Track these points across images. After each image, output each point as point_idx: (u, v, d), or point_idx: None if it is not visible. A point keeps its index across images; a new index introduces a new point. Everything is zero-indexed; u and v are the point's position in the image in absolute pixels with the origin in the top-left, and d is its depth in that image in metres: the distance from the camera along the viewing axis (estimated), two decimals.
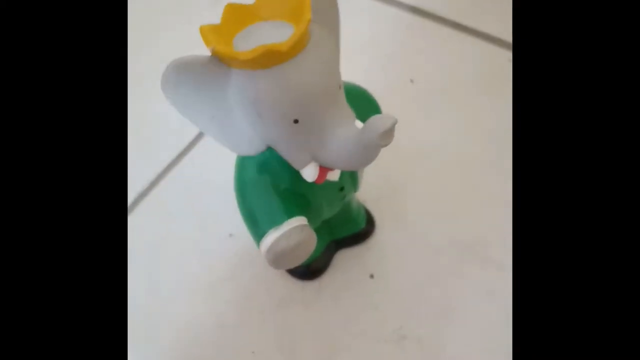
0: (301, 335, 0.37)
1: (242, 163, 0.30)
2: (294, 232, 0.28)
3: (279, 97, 0.25)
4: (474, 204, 0.41)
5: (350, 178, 0.32)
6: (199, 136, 0.48)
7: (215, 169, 0.44)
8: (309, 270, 0.39)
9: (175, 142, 0.48)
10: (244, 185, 0.30)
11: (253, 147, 0.28)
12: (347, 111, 0.27)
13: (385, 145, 0.24)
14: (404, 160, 0.43)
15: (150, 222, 0.44)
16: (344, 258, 0.40)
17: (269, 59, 0.24)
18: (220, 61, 0.25)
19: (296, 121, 0.26)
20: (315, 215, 0.31)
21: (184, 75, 0.26)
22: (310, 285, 0.39)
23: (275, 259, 0.28)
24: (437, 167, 0.43)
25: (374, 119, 0.24)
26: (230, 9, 0.26)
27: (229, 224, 0.43)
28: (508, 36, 0.50)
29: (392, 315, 0.37)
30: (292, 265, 0.29)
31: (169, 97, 0.26)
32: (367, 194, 0.41)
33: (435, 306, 0.37)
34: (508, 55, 0.49)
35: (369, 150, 0.25)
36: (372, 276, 0.39)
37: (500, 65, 0.48)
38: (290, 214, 0.29)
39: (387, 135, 0.24)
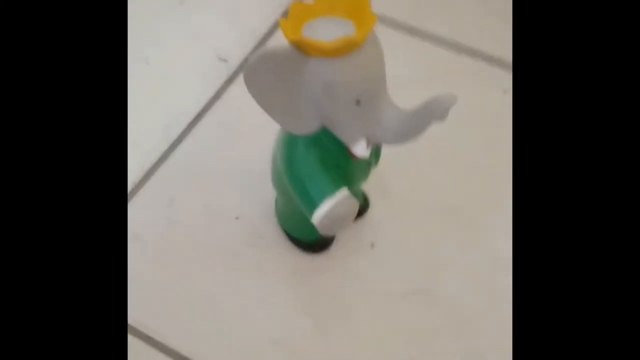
0: (319, 299, 0.42)
1: (291, 142, 0.34)
2: (344, 200, 0.33)
3: (350, 79, 0.30)
4: (454, 174, 0.48)
5: (376, 155, 0.37)
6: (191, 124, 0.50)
7: (217, 155, 0.47)
8: (319, 244, 0.43)
9: (165, 135, 0.49)
10: (294, 160, 0.34)
11: (310, 126, 0.32)
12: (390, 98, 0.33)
13: (442, 120, 0.30)
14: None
15: (154, 207, 0.45)
16: (345, 232, 0.45)
17: (344, 48, 0.29)
18: (299, 50, 0.29)
19: (358, 102, 0.31)
20: (351, 188, 0.36)
21: (268, 63, 0.29)
22: (319, 257, 0.43)
23: (331, 224, 0.33)
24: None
25: (439, 97, 0.29)
26: (296, 6, 0.30)
27: (234, 208, 0.46)
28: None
29: (397, 275, 0.43)
30: (340, 230, 0.34)
31: (250, 84, 0.30)
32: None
33: (433, 262, 0.43)
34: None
35: (424, 125, 0.31)
36: (372, 245, 0.44)
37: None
38: (337, 186, 0.33)
39: (447, 112, 0.29)
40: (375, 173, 0.47)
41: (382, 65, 0.31)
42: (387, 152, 0.48)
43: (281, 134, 0.35)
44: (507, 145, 0.48)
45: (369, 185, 0.46)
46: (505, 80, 0.54)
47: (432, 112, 0.30)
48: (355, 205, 0.33)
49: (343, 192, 0.33)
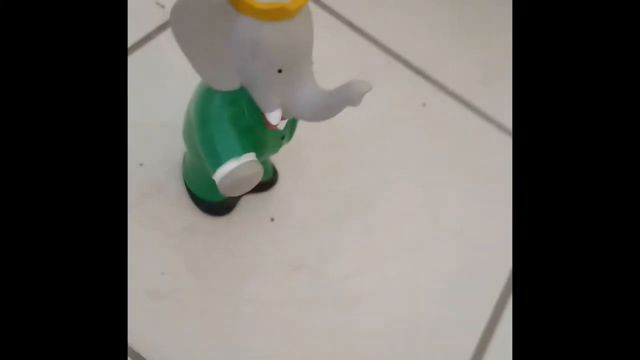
0: (211, 261, 0.42)
1: (208, 96, 0.34)
2: (250, 164, 0.33)
3: (276, 46, 0.30)
4: (366, 167, 0.49)
5: (290, 130, 0.38)
6: None
7: (134, 100, 0.46)
8: (221, 207, 0.43)
9: None
10: (208, 115, 0.33)
11: (230, 84, 0.32)
12: (313, 75, 0.33)
13: (355, 105, 0.31)
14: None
15: None
16: (250, 201, 0.45)
17: (277, 14, 0.29)
18: (231, 4, 0.29)
19: (280, 71, 0.31)
20: (259, 156, 0.36)
21: (197, 9, 0.28)
22: (218, 221, 0.43)
23: (232, 184, 0.33)
24: (340, 136, 0.51)
25: (355, 82, 0.30)
26: None
27: (139, 154, 0.44)
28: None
29: (290, 250, 0.44)
30: (239, 193, 0.34)
31: (175, 26, 0.29)
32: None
33: (323, 240, 0.45)
34: None
35: (337, 108, 0.31)
36: (272, 219, 0.45)
37: None
38: (245, 149, 0.33)
39: (361, 98, 0.30)
40: (292, 151, 0.48)
41: (310, 41, 0.31)
42: (310, 134, 0.49)
43: (199, 87, 0.35)
44: (424, 146, 0.50)
45: (283, 161, 0.47)
46: (425, 91, 0.56)
47: (348, 95, 0.30)
48: (259, 172, 0.33)
49: (249, 156, 0.33)
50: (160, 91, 0.48)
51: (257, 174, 0.33)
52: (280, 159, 0.47)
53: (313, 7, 0.59)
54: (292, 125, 0.38)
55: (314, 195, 0.47)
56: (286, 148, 0.43)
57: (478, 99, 0.57)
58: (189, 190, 0.43)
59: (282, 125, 0.36)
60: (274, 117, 0.33)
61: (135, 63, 0.49)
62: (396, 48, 0.58)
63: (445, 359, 0.43)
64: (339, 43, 0.57)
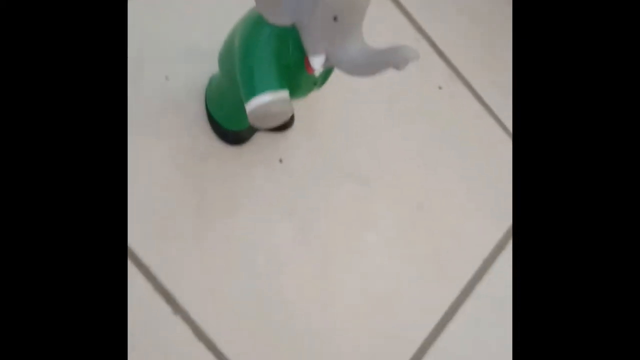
0: (212, 185, 0.43)
1: (257, 26, 0.35)
2: (283, 101, 0.34)
3: None
4: (368, 136, 0.51)
5: (323, 79, 0.39)
6: None
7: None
8: (236, 137, 0.44)
9: None
10: (253, 44, 0.35)
11: (284, 19, 0.33)
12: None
13: (399, 69, 0.32)
14: (342, 92, 0.51)
15: None
16: (263, 138, 0.46)
17: None
18: None
19: (335, 18, 0.32)
20: (290, 95, 0.37)
21: None
22: (230, 149, 0.45)
23: (262, 116, 0.34)
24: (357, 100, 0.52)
25: (404, 47, 0.31)
26: None
27: (167, 68, 0.45)
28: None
29: (289, 195, 0.46)
30: (266, 126, 0.36)
31: None
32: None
33: (319, 196, 0.47)
34: None
35: (379, 68, 0.33)
36: (280, 160, 0.46)
37: None
38: (282, 86, 0.35)
39: (405, 63, 0.32)
40: (312, 103, 0.49)
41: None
42: (333, 93, 0.51)
43: (249, 15, 0.36)
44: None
45: (301, 109, 0.48)
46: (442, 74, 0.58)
47: (394, 58, 0.32)
48: (289, 110, 0.35)
49: (284, 93, 0.34)
50: (190, 15, 0.48)
51: (287, 112, 0.35)
52: (300, 109, 0.48)
53: None
54: (326, 74, 0.39)
55: (320, 152, 0.49)
56: (307, 102, 0.44)
57: (488, 96, 0.59)
58: (208, 114, 0.44)
59: (319, 72, 0.37)
60: (317, 62, 0.34)
61: None
62: (427, 28, 0.59)
63: (405, 334, 0.46)
64: (376, 12, 0.58)
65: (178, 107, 0.45)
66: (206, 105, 0.44)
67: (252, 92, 0.34)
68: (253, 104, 0.34)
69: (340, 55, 0.34)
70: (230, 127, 0.43)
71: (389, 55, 0.32)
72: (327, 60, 0.34)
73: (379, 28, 0.57)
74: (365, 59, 0.33)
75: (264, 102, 0.34)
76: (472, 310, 0.49)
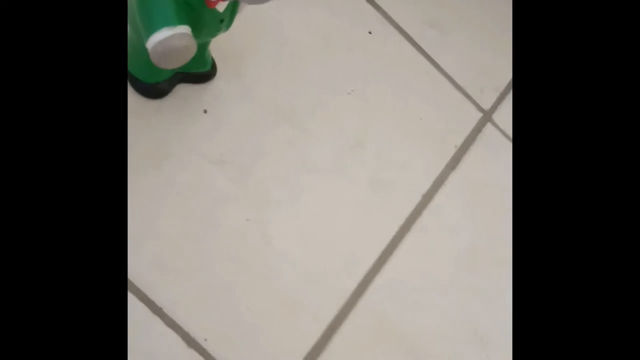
0: (137, 141, 0.43)
1: None
2: (183, 35, 0.34)
3: None
4: (299, 82, 0.51)
5: (230, 16, 0.39)
6: None
7: None
8: (155, 89, 0.44)
9: None
10: None
11: None
12: None
13: None
14: (268, 36, 0.51)
15: None
16: (185, 90, 0.46)
17: None
18: None
19: None
20: (195, 35, 0.37)
21: None
22: (151, 103, 0.44)
23: (163, 53, 0.34)
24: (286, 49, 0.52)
25: None
26: None
27: None
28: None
29: (216, 144, 0.45)
30: (171, 65, 0.35)
31: None
32: (222, 41, 0.47)
33: (252, 141, 0.46)
34: None
35: None
36: (205, 111, 0.46)
37: None
38: (182, 21, 0.34)
39: None
40: (236, 52, 0.48)
41: None
42: (256, 41, 0.50)
43: None
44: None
45: (224, 60, 0.48)
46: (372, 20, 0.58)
47: None
48: (191, 45, 0.34)
49: (184, 28, 0.34)
50: None
51: (190, 47, 0.34)
52: (222, 56, 0.47)
53: None
54: (232, 11, 0.39)
55: (249, 98, 0.48)
56: (230, 47, 0.43)
57: (423, 40, 0.59)
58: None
59: (221, 7, 0.37)
60: None
61: None
62: None
63: (348, 269, 0.46)
64: None
65: None
66: None
67: (151, 30, 0.34)
68: (151, 42, 0.34)
69: None
70: (147, 79, 0.43)
71: None
72: None
73: None
74: None
75: (163, 37, 0.33)
76: (413, 243, 0.49)
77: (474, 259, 0.51)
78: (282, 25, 0.52)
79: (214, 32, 0.39)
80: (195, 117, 0.45)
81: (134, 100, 0.44)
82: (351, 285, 0.46)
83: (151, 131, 0.44)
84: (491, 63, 0.62)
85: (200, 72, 0.45)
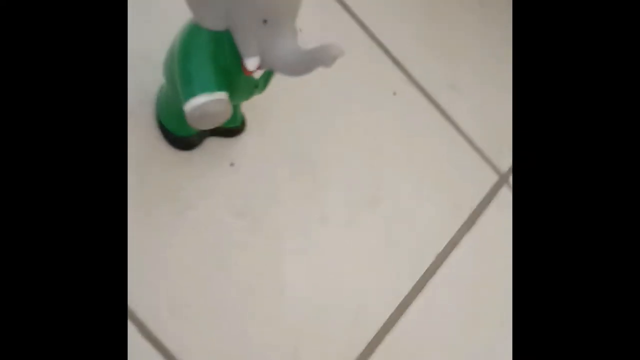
0: (161, 190, 0.45)
1: (194, 31, 0.36)
2: (220, 101, 0.36)
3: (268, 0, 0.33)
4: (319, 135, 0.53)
5: (264, 82, 0.41)
6: None
7: None
8: (186, 142, 0.46)
9: None
10: (191, 48, 0.36)
11: (218, 24, 0.35)
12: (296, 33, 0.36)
13: (327, 66, 0.34)
14: (295, 94, 0.53)
15: None
16: (213, 144, 0.47)
17: None
18: None
19: (265, 21, 0.34)
20: (230, 97, 0.39)
21: None
22: (181, 154, 0.46)
23: (199, 116, 0.35)
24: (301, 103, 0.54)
25: (330, 45, 0.33)
26: None
27: None
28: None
29: (240, 195, 0.47)
30: (205, 127, 0.37)
31: None
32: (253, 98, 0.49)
33: (273, 195, 0.48)
34: None
35: (310, 67, 0.34)
36: (232, 164, 0.48)
37: None
38: (220, 87, 0.36)
39: (333, 61, 0.33)
40: (263, 108, 0.50)
41: (297, 1, 0.34)
42: (283, 96, 0.52)
43: (188, 23, 0.37)
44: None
45: (252, 113, 0.50)
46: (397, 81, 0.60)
47: (321, 57, 0.34)
48: (227, 111, 0.36)
49: (221, 94, 0.36)
50: (144, 23, 0.49)
51: (225, 112, 0.36)
52: (252, 112, 0.49)
53: None
54: (267, 77, 0.40)
55: (275, 153, 0.50)
56: (259, 104, 0.45)
57: (443, 100, 0.61)
58: (159, 122, 0.46)
59: (257, 75, 0.39)
60: (251, 64, 0.36)
61: None
62: (380, 35, 0.61)
63: (359, 325, 0.47)
64: (327, 19, 0.60)
65: (130, 115, 0.46)
66: (156, 113, 0.46)
67: (190, 94, 0.35)
68: (189, 106, 0.35)
69: (273, 56, 0.35)
70: (179, 132, 0.45)
71: (317, 53, 0.34)
72: (261, 61, 0.36)
73: (332, 36, 0.59)
74: (295, 59, 0.35)
75: (200, 103, 0.35)
76: (425, 303, 0.50)
77: (481, 321, 0.52)
78: (308, 82, 0.54)
79: (248, 95, 0.41)
80: (221, 170, 0.47)
81: (165, 150, 0.46)
82: (360, 344, 0.47)
83: (179, 181, 0.45)
84: (509, 125, 0.64)
85: (230, 127, 0.47)
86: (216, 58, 0.36)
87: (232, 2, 0.33)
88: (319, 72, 0.52)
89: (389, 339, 0.48)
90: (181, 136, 0.45)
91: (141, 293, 0.42)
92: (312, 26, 0.55)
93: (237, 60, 0.36)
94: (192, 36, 0.36)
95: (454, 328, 0.51)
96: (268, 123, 0.50)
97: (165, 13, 0.48)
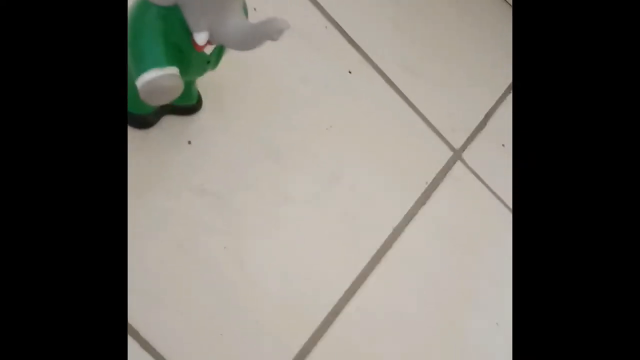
0: None
1: (144, 8, 0.37)
2: (171, 76, 0.36)
3: None
4: (281, 118, 0.54)
5: (216, 58, 0.41)
6: None
7: None
8: (141, 120, 0.46)
9: None
10: (141, 25, 0.36)
11: (166, 0, 0.35)
12: (243, 10, 0.37)
13: (274, 40, 0.35)
14: (252, 73, 0.53)
15: None
16: (171, 122, 0.48)
17: None
18: None
19: None
20: (183, 74, 0.39)
21: None
22: (137, 133, 0.46)
23: (151, 92, 0.36)
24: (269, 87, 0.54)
25: (275, 19, 0.34)
26: None
27: None
28: None
29: (198, 173, 0.47)
30: (158, 102, 0.37)
31: None
32: (207, 75, 0.50)
33: (233, 173, 0.49)
34: None
35: (258, 41, 0.35)
36: (189, 142, 0.48)
37: None
38: (170, 63, 0.37)
39: (279, 34, 0.34)
40: (222, 88, 0.51)
41: None
42: (242, 77, 0.53)
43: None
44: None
45: (211, 93, 0.50)
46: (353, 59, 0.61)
47: (267, 31, 0.34)
48: (178, 86, 0.37)
49: (172, 69, 0.36)
50: None
51: (177, 87, 0.37)
52: (209, 90, 0.50)
53: None
54: (218, 53, 0.41)
55: (231, 131, 0.51)
56: (214, 81, 0.45)
57: (400, 81, 0.63)
58: None
59: (208, 50, 0.39)
60: (201, 38, 0.36)
61: None
62: (334, 14, 0.62)
63: (318, 299, 0.49)
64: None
65: None
66: None
67: (141, 70, 0.36)
68: (141, 80, 0.36)
69: (221, 31, 0.36)
70: (135, 110, 0.45)
71: (263, 27, 0.34)
72: (210, 36, 0.37)
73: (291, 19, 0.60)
74: (243, 34, 0.36)
75: (152, 77, 0.36)
76: (382, 275, 0.51)
77: (439, 291, 0.54)
78: (264, 61, 0.55)
79: (201, 72, 0.41)
80: (179, 148, 0.48)
81: None
82: (321, 314, 0.48)
83: (136, 160, 0.46)
84: (463, 106, 0.66)
85: (186, 105, 0.48)
86: (166, 34, 0.37)
87: None
88: (276, 49, 0.53)
89: (347, 309, 0.49)
90: (137, 114, 0.45)
91: None
92: (266, 5, 0.56)
93: (187, 35, 0.37)
94: (141, 13, 0.37)
95: (411, 301, 0.53)
96: (224, 101, 0.51)
97: None
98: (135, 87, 0.38)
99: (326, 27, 0.61)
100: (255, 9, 0.55)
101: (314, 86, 0.57)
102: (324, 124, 0.56)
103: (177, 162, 0.47)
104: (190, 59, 0.39)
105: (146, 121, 0.46)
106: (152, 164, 0.46)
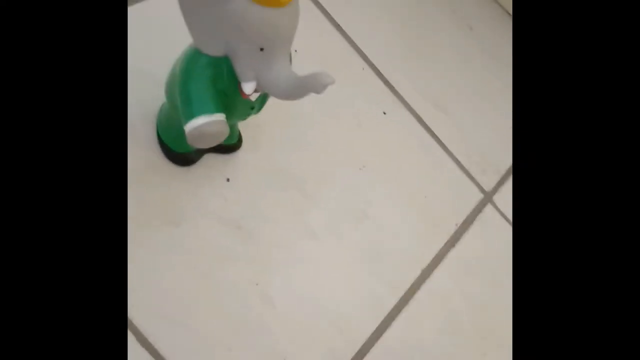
0: (157, 201, 0.47)
1: (195, 56, 0.38)
2: (218, 122, 0.38)
3: (265, 29, 0.35)
4: (311, 153, 0.55)
5: (260, 104, 0.43)
6: None
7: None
8: (184, 158, 0.48)
9: None
10: (191, 72, 0.38)
11: (217, 51, 0.37)
12: (290, 60, 0.38)
13: (318, 93, 0.36)
14: (288, 112, 0.55)
15: None
16: (210, 160, 0.50)
17: (270, 2, 0.34)
18: None
19: (262, 49, 0.36)
20: (228, 118, 0.41)
21: None
22: (179, 169, 0.48)
23: (198, 137, 0.38)
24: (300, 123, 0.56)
25: (321, 74, 0.35)
26: None
27: None
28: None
29: (234, 209, 0.49)
30: (204, 146, 0.39)
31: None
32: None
33: (267, 212, 0.50)
34: None
35: (302, 93, 0.37)
36: (228, 180, 0.50)
37: None
38: (217, 109, 0.38)
39: (324, 88, 0.36)
40: (258, 126, 0.52)
41: (293, 30, 0.37)
42: (277, 116, 0.54)
43: (189, 47, 0.40)
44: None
45: (247, 132, 0.52)
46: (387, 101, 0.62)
47: (313, 84, 0.36)
48: (225, 131, 0.39)
49: (219, 116, 0.38)
50: (149, 43, 0.52)
51: (223, 133, 0.39)
52: (248, 130, 0.52)
53: (306, 2, 0.64)
54: (262, 100, 0.43)
55: (268, 169, 0.52)
56: (255, 122, 0.47)
57: (431, 120, 0.64)
58: (159, 138, 0.48)
59: (254, 97, 0.41)
60: (248, 88, 0.38)
61: (134, 15, 0.53)
62: (372, 56, 0.64)
63: (345, 337, 0.49)
64: (322, 39, 0.62)
65: (132, 130, 0.48)
66: (157, 129, 0.48)
67: (190, 115, 0.38)
68: (190, 126, 0.38)
69: (268, 81, 0.38)
70: (179, 149, 0.47)
71: (309, 81, 0.36)
72: (257, 85, 0.38)
73: (328, 57, 0.62)
74: (289, 85, 0.37)
75: (199, 124, 0.37)
76: (410, 316, 0.52)
77: (466, 332, 0.54)
78: (300, 101, 0.57)
79: (245, 116, 0.43)
80: (218, 185, 0.49)
81: (164, 165, 0.48)
82: (346, 355, 0.49)
83: (176, 195, 0.48)
84: (494, 146, 0.66)
85: (227, 144, 0.50)
86: (215, 82, 0.38)
87: (231, 33, 0.36)
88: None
89: (373, 352, 0.50)
90: (180, 153, 0.47)
91: (137, 302, 0.44)
92: (307, 48, 0.58)
93: (235, 84, 0.39)
94: (192, 60, 0.38)
95: (438, 343, 0.53)
96: (262, 140, 0.53)
97: (166, 31, 0.51)
98: (181, 129, 0.40)
99: (363, 68, 0.62)
100: (296, 51, 0.57)
101: (348, 125, 0.58)
102: (358, 164, 0.57)
103: (215, 198, 0.49)
104: (236, 105, 0.41)
105: (188, 159, 0.48)
106: (192, 198, 0.48)
